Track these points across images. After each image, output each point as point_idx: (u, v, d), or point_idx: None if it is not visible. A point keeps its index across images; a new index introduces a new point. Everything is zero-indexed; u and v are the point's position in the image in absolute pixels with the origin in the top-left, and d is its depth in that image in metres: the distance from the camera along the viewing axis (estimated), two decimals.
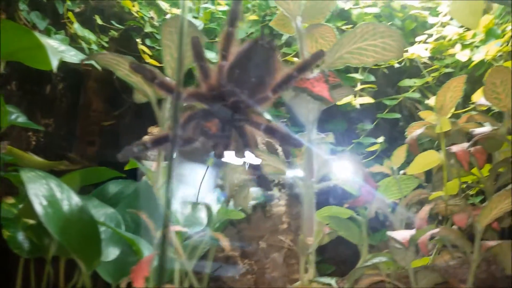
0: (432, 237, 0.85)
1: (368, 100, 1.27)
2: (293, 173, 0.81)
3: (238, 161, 1.04)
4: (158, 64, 1.34)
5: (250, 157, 0.97)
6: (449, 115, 1.01)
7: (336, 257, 1.44)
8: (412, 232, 0.75)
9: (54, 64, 0.90)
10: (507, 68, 0.80)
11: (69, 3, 1.38)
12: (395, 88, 1.52)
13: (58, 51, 1.15)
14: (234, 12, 0.62)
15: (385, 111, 1.44)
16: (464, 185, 1.10)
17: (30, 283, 1.09)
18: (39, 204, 0.82)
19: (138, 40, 1.36)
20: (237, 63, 0.62)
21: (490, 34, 1.31)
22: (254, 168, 0.62)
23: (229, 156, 0.81)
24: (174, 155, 0.64)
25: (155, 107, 0.75)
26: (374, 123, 1.43)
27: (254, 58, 0.62)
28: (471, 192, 1.12)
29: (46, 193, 0.85)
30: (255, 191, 1.03)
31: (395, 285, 0.79)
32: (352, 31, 0.73)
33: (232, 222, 1.30)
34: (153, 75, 0.62)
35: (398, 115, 1.41)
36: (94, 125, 1.64)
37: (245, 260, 1.27)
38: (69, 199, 0.89)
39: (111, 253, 1.04)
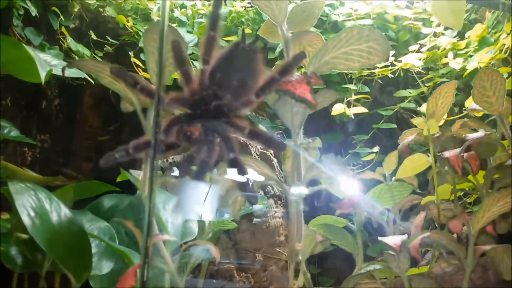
0: (426, 245, 0.83)
1: (362, 109, 1.26)
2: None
3: (241, 178, 1.03)
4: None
5: (253, 174, 0.97)
6: (442, 121, 1.00)
7: (336, 269, 1.42)
8: (404, 237, 0.73)
9: (42, 75, 0.90)
10: (496, 70, 0.79)
11: (63, 18, 1.39)
12: (391, 99, 1.51)
13: (50, 65, 1.16)
14: (215, 16, 0.62)
15: (381, 122, 1.44)
16: (461, 193, 1.09)
17: None
18: (26, 215, 0.81)
19: (131, 53, 1.36)
20: (218, 66, 0.62)
21: (483, 43, 1.31)
22: (241, 183, 0.61)
23: (231, 173, 0.80)
24: (178, 174, 0.63)
25: (140, 115, 0.75)
26: (370, 134, 1.42)
27: (236, 61, 0.62)
28: (468, 200, 1.11)
29: (34, 204, 0.84)
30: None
31: None
32: (337, 36, 0.73)
33: (229, 235, 1.28)
34: (135, 80, 0.62)
35: (394, 125, 1.40)
36: (90, 141, 1.64)
37: (241, 273, 1.25)
38: (58, 211, 0.88)
39: (105, 266, 1.03)
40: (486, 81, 0.79)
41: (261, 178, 1.21)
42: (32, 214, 0.83)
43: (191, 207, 0.88)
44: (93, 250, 1.08)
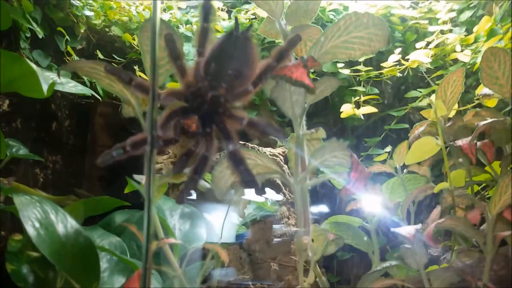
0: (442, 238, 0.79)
1: (371, 109, 1.24)
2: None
3: (259, 198, 1.01)
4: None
5: (271, 194, 0.94)
6: (453, 112, 0.97)
7: (356, 277, 1.38)
8: (418, 226, 0.70)
9: (45, 88, 0.90)
10: (503, 49, 0.76)
11: (68, 39, 1.41)
12: (404, 101, 1.49)
13: (56, 82, 1.17)
14: (207, 7, 0.61)
15: (393, 123, 1.41)
16: (479, 187, 1.04)
17: None
18: (31, 226, 0.80)
19: (136, 68, 1.37)
20: (213, 57, 0.61)
21: (491, 35, 1.28)
22: (237, 163, 0.58)
23: (250, 194, 0.78)
24: (175, 169, 0.62)
25: (140, 118, 0.74)
26: (382, 136, 1.39)
27: (230, 51, 0.60)
28: (487, 194, 1.06)
29: (39, 215, 0.83)
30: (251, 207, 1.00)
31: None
32: (335, 24, 0.72)
33: (242, 244, 1.25)
34: (130, 77, 0.61)
35: (406, 125, 1.37)
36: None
37: (257, 284, 1.21)
38: (65, 222, 0.87)
39: (117, 281, 1.01)
40: (493, 61, 0.76)
41: (278, 197, 1.19)
42: (37, 225, 0.81)
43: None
44: (105, 265, 1.06)
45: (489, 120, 0.81)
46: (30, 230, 0.79)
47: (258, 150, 1.15)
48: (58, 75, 0.81)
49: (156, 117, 0.66)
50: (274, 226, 1.27)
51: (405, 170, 0.87)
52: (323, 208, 1.49)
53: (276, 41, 0.89)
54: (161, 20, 0.62)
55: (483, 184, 1.02)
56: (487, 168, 0.91)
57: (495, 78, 0.78)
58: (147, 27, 0.67)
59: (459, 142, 0.82)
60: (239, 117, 0.60)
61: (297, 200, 0.67)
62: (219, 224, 0.92)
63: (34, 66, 0.94)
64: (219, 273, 1.06)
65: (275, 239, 1.26)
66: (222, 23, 1.60)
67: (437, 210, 0.86)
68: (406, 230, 0.67)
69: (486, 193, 1.06)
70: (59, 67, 0.91)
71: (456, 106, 0.96)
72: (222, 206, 1.01)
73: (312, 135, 0.68)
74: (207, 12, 0.61)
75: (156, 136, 0.60)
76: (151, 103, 0.60)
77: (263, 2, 0.76)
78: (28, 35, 1.34)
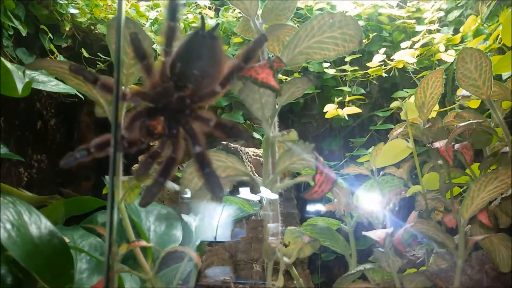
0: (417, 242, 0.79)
1: (355, 110, 1.23)
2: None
3: (254, 197, 1.00)
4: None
5: (266, 193, 0.94)
6: (434, 113, 0.96)
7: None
8: (389, 230, 0.69)
9: (19, 87, 0.89)
10: (479, 50, 0.75)
11: (51, 37, 1.40)
12: (390, 101, 1.48)
13: (38, 81, 1.15)
14: (173, 5, 0.60)
15: (379, 123, 1.40)
16: (461, 189, 1.03)
17: None
18: (2, 228, 0.79)
19: None
20: (179, 56, 0.59)
21: (477, 35, 1.27)
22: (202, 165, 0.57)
23: (245, 192, 0.77)
24: (139, 171, 0.60)
25: (111, 117, 0.73)
26: (368, 136, 1.38)
27: (196, 51, 0.59)
28: None
29: (11, 217, 0.82)
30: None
31: None
32: (308, 24, 0.70)
33: (224, 245, 1.24)
34: (94, 77, 0.60)
35: (391, 126, 1.36)
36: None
37: (239, 286, 1.20)
38: (38, 223, 0.86)
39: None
40: (469, 62, 0.75)
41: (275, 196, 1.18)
42: (9, 226, 0.80)
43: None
44: (84, 265, 1.05)
45: (466, 122, 0.80)
46: (1, 232, 0.78)
47: (240, 150, 1.14)
48: (23, 74, 0.79)
49: (121, 118, 0.66)
50: (269, 225, 1.25)
51: (381, 172, 0.86)
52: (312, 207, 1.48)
53: None
54: (127, 18, 0.61)
55: (465, 187, 1.01)
56: (467, 170, 0.90)
57: (472, 80, 0.77)
58: (114, 25, 0.66)
59: (437, 144, 0.81)
60: (206, 118, 0.59)
61: (265, 202, 0.66)
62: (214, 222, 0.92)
63: (9, 64, 0.93)
64: (216, 272, 1.06)
65: (270, 238, 1.25)
66: (210, 21, 1.59)
67: (414, 214, 0.85)
68: (377, 234, 0.66)
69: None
70: (24, 67, 0.90)
71: (436, 107, 0.95)
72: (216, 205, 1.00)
73: (284, 137, 0.67)
74: (173, 11, 0.60)
75: (121, 137, 0.59)
76: (114, 103, 0.59)
77: (238, 1, 0.75)
78: (11, 32, 1.32)
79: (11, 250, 0.78)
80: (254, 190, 0.73)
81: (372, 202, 0.83)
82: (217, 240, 1.16)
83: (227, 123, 0.58)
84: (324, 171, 0.58)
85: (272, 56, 0.64)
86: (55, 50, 1.33)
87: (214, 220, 1.01)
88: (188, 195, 0.70)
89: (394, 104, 0.84)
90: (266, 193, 0.67)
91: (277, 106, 0.67)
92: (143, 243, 0.74)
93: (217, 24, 0.61)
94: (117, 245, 1.22)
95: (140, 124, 0.59)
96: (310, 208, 1.37)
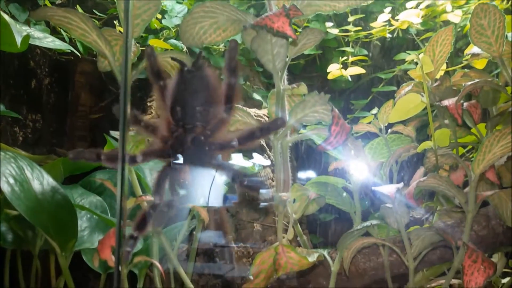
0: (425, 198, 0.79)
1: (359, 70, 1.21)
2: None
3: (247, 163, 0.99)
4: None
5: (259, 159, 0.92)
6: (441, 72, 0.95)
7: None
8: (399, 185, 0.69)
9: (18, 40, 0.86)
10: (494, 6, 0.74)
11: None
12: (393, 63, 1.46)
13: (34, 37, 1.12)
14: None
15: (381, 85, 1.38)
16: (464, 150, 1.04)
17: (18, 277, 1.06)
18: (5, 183, 0.77)
19: (116, 23, 1.32)
20: (176, 100, 0.57)
21: None
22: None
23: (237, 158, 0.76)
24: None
25: (116, 72, 0.71)
26: (370, 98, 1.37)
27: (190, 87, 0.57)
28: (471, 156, 1.06)
29: (14, 172, 0.81)
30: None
31: (389, 247, 0.73)
32: None
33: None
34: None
35: (393, 88, 1.35)
36: (84, 120, 1.60)
37: (240, 244, 1.21)
38: (40, 179, 0.85)
39: (97, 240, 1.00)
40: (483, 18, 0.74)
41: (267, 163, 1.17)
42: (12, 181, 0.79)
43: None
44: (85, 224, 1.05)
45: (476, 80, 0.80)
46: (4, 187, 0.77)
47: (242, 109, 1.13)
48: (28, 25, 0.76)
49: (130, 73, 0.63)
50: (261, 190, 1.25)
51: (389, 131, 0.85)
52: (311, 174, 1.49)
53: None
54: None
55: (469, 147, 1.01)
56: (473, 130, 0.90)
57: (484, 36, 0.76)
58: None
59: (445, 102, 0.80)
60: (228, 140, 0.57)
61: (276, 157, 0.65)
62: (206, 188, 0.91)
63: (7, 17, 0.90)
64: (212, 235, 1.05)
65: (262, 203, 1.25)
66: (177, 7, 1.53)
67: (420, 171, 0.85)
68: (387, 189, 0.66)
69: (470, 156, 1.06)
70: (30, 17, 0.86)
71: (444, 66, 0.94)
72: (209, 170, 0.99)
73: (294, 91, 0.65)
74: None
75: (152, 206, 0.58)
76: (121, 168, 0.55)
77: None
78: None
79: (15, 205, 0.77)
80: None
81: (380, 159, 0.82)
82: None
83: (248, 131, 0.56)
84: (340, 122, 0.57)
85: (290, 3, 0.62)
86: (49, 5, 1.29)
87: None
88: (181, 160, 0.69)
89: (410, 58, 0.82)
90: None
91: (287, 59, 0.65)
92: (150, 197, 0.73)
93: (200, 52, 0.58)
94: None
95: (169, 182, 0.58)
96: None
